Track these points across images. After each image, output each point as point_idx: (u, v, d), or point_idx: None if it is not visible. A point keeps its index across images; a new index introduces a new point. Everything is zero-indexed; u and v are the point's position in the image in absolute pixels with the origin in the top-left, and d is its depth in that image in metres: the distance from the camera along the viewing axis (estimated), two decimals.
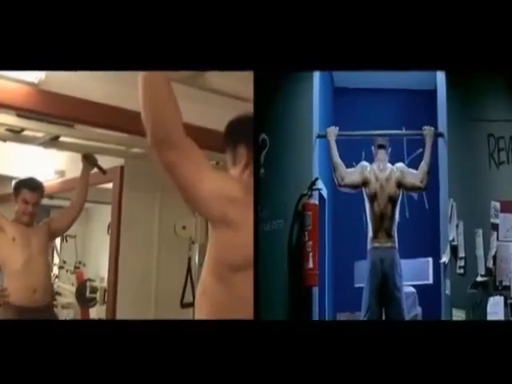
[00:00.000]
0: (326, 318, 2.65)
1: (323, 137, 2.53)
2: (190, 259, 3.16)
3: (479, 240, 2.41)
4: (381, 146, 2.60)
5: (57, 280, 5.35)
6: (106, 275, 3.72)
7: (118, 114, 2.38)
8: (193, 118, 1.81)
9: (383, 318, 2.43)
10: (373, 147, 2.62)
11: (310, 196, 2.36)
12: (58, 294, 4.77)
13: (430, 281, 2.98)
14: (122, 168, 3.35)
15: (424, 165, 2.52)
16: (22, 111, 2.35)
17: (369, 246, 2.51)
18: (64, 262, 5.61)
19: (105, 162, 3.17)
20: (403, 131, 2.90)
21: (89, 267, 5.47)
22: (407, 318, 2.56)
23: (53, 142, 2.89)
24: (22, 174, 3.20)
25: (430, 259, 2.96)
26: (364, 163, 2.59)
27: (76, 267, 5.31)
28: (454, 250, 2.41)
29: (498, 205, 2.42)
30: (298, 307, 2.32)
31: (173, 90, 1.23)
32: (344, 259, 2.97)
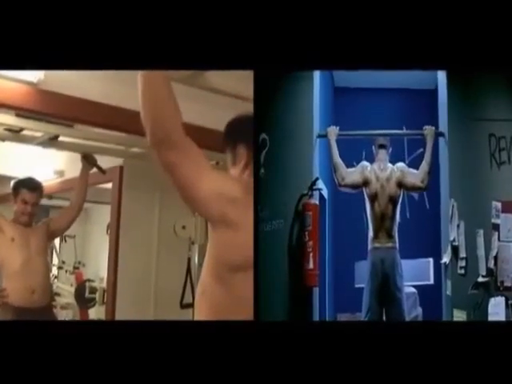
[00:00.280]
0: (327, 319, 2.65)
1: (323, 136, 2.53)
2: (189, 259, 3.15)
3: (480, 240, 2.40)
4: (381, 146, 2.59)
5: (56, 280, 5.34)
6: (105, 275, 3.72)
7: (118, 114, 2.37)
8: (192, 117, 1.80)
9: (384, 318, 2.43)
10: (373, 147, 2.62)
11: (311, 196, 2.35)
12: (57, 294, 4.76)
13: (431, 281, 2.97)
14: (121, 168, 3.35)
15: (425, 165, 2.52)
16: (20, 111, 2.35)
17: (369, 247, 2.51)
18: (63, 263, 5.60)
19: (104, 161, 3.16)
20: (404, 131, 2.90)
21: (88, 267, 5.47)
22: (408, 318, 2.55)
23: (52, 141, 2.88)
24: (21, 174, 3.19)
25: (431, 259, 2.95)
26: (364, 163, 2.59)
27: (75, 267, 5.31)
28: (455, 250, 2.41)
29: (499, 205, 2.42)
30: (298, 308, 2.32)
31: (172, 89, 1.22)
32: (344, 259, 2.97)
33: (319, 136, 2.50)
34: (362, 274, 2.58)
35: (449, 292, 2.41)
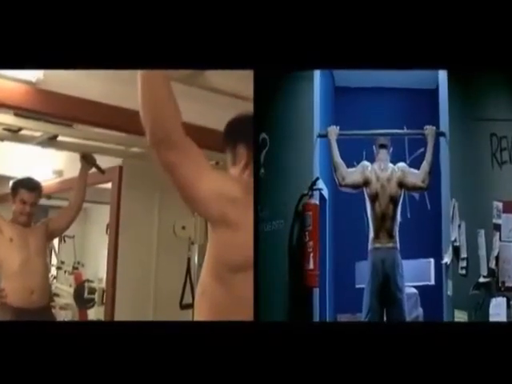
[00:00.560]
0: (327, 320, 2.64)
1: (324, 136, 2.52)
2: (189, 260, 3.14)
3: (481, 240, 2.40)
4: (382, 146, 2.59)
5: (55, 281, 5.33)
6: (104, 276, 3.71)
7: (117, 114, 2.37)
8: (192, 117, 1.79)
9: (384, 319, 2.42)
10: (374, 147, 2.62)
11: (311, 196, 2.35)
12: (56, 295, 4.76)
13: (432, 282, 2.96)
14: (120, 168, 3.34)
15: (426, 164, 2.51)
16: (19, 110, 2.34)
17: (370, 247, 2.50)
18: (62, 263, 5.59)
19: (103, 161, 3.16)
20: (405, 131, 2.90)
21: (87, 268, 5.45)
22: (408, 319, 2.55)
23: (51, 141, 2.87)
24: (20, 174, 3.18)
25: (432, 260, 2.95)
26: (365, 163, 2.58)
27: (74, 268, 5.30)
28: (456, 250, 2.40)
29: (500, 205, 2.41)
30: (299, 308, 2.31)
31: (172, 89, 1.22)
32: (345, 260, 2.96)
33: (319, 136, 2.50)
34: (363, 275, 2.57)
35: (450, 292, 2.40)
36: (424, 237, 2.97)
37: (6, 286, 2.82)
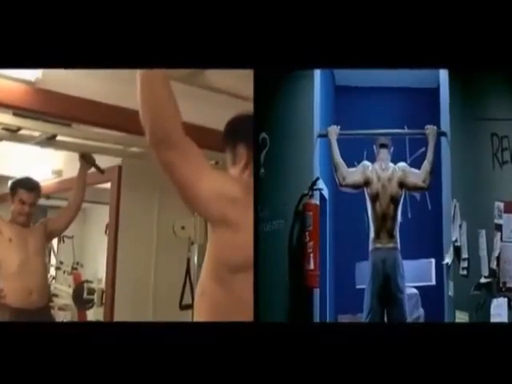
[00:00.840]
0: (327, 320, 2.64)
1: (324, 136, 2.52)
2: (189, 260, 3.13)
3: (482, 241, 2.38)
4: (383, 146, 2.59)
5: (54, 281, 5.33)
6: (103, 276, 3.71)
7: (116, 113, 2.36)
8: (192, 116, 1.78)
9: (385, 319, 2.41)
10: (375, 146, 2.61)
11: (311, 196, 2.35)
12: (55, 295, 4.75)
13: (433, 282, 2.96)
14: (119, 168, 3.34)
15: (426, 164, 2.51)
16: (18, 110, 2.33)
17: (370, 247, 2.50)
18: (61, 263, 5.59)
19: (103, 161, 3.15)
20: (405, 130, 2.90)
21: (86, 268, 5.45)
22: (409, 319, 2.55)
23: (50, 141, 2.86)
24: (19, 174, 3.17)
25: (433, 260, 2.94)
26: (366, 163, 2.58)
27: (73, 268, 5.30)
28: (457, 250, 2.39)
29: (501, 205, 2.40)
30: (299, 309, 2.31)
31: (172, 88, 1.21)
32: (345, 260, 2.96)
33: (320, 135, 2.49)
34: (363, 275, 2.57)
35: (451, 293, 2.40)
36: (425, 237, 2.97)
37: (5, 286, 2.81)
